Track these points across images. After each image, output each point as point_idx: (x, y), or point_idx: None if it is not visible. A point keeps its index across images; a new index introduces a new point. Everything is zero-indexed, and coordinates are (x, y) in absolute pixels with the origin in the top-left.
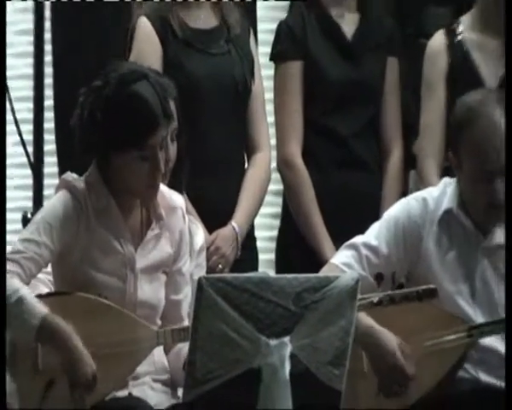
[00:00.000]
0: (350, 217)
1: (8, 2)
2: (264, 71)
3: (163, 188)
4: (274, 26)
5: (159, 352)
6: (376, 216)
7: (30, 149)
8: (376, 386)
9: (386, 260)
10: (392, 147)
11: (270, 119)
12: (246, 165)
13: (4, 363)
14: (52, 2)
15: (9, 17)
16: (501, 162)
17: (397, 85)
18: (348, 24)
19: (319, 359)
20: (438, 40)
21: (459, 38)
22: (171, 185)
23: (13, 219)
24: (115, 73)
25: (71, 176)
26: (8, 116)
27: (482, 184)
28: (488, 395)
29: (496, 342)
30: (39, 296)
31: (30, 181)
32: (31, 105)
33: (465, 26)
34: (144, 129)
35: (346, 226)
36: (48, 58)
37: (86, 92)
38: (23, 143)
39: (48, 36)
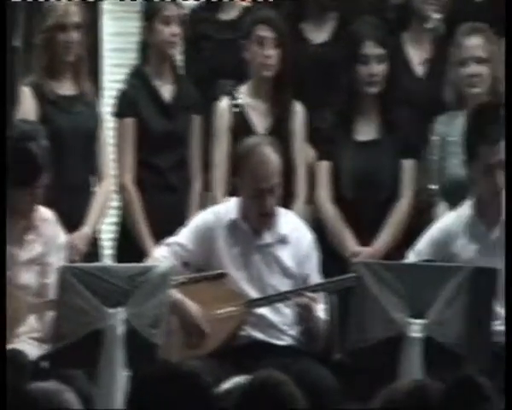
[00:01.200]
0: (167, 223)
1: None
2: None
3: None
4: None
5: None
6: (182, 224)
7: None
8: (182, 341)
9: (191, 254)
10: (193, 177)
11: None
12: (94, 188)
13: (4, 363)
14: None
15: None
16: (270, 183)
17: (199, 134)
18: (167, 89)
19: (144, 322)
20: (224, 102)
21: (239, 101)
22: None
23: None
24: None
25: None
26: None
27: (255, 199)
28: (260, 347)
29: (266, 312)
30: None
31: None
32: None
33: (243, 94)
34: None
35: (166, 229)
36: None
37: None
38: None
39: None
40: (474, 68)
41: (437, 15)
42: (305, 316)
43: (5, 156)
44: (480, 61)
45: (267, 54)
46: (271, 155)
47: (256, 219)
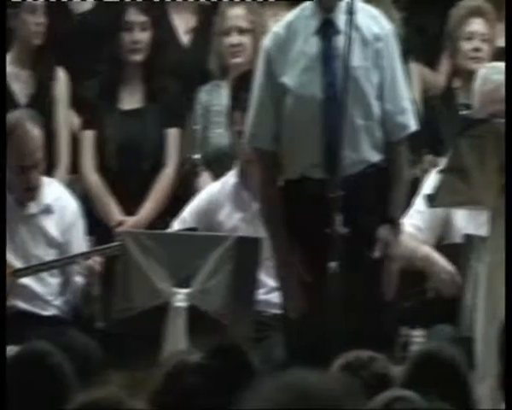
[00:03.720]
0: None
1: None
2: None
3: None
4: None
5: None
6: None
7: None
8: None
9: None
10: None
11: None
12: None
13: (4, 363)
14: None
15: None
16: (33, 159)
17: None
18: None
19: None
20: None
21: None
22: None
23: None
24: None
25: None
26: None
27: (19, 175)
28: (26, 317)
29: (30, 282)
30: None
31: None
32: None
33: (9, 61)
34: None
35: None
36: None
37: None
38: None
39: None
40: (235, 38)
41: None
42: (88, 280)
43: (5, 156)
44: (241, 31)
45: (37, 21)
46: (33, 131)
47: (21, 193)
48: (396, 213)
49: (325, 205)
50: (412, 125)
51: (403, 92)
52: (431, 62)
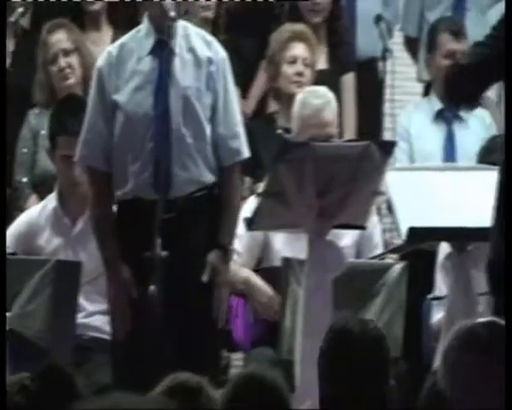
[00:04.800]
0: None
1: None
2: None
3: None
4: None
5: None
6: None
7: None
8: None
9: None
10: None
11: None
12: None
13: (4, 363)
14: None
15: None
16: None
17: None
18: None
19: None
20: None
21: None
22: None
23: None
24: None
25: None
26: None
27: None
28: None
29: None
30: None
31: None
32: None
33: None
34: None
35: None
36: None
37: None
38: None
39: None
40: (63, 61)
41: (20, 9)
42: None
43: (5, 156)
44: (67, 52)
45: None
46: None
47: None
48: (226, 240)
49: (153, 226)
50: (245, 151)
51: (236, 117)
52: (245, 86)
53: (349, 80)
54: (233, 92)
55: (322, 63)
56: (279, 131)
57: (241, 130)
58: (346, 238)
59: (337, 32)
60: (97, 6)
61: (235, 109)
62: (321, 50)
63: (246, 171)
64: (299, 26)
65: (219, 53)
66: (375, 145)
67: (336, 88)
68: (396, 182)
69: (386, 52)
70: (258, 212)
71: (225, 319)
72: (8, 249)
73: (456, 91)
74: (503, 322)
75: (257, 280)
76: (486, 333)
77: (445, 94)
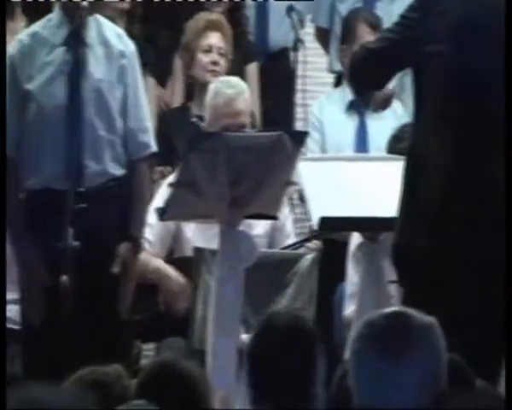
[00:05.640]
0: None
1: None
2: None
3: None
4: None
5: None
6: None
7: None
8: None
9: None
10: None
11: None
12: None
13: (4, 363)
14: None
15: None
16: None
17: None
18: None
19: None
20: None
21: None
22: None
23: None
24: None
25: None
26: None
27: None
28: None
29: None
30: None
31: None
32: None
33: None
34: None
35: None
36: None
37: None
38: None
39: None
40: None
41: None
42: None
43: (5, 156)
44: None
45: None
46: None
47: None
48: (136, 232)
49: (65, 217)
50: (153, 145)
51: (145, 112)
52: (162, 76)
53: (253, 70)
54: (142, 86)
55: None
56: (193, 119)
57: (149, 124)
58: (258, 228)
59: (239, 23)
60: None
61: (144, 103)
62: None
63: (164, 160)
64: (215, 15)
65: (129, 46)
66: (286, 135)
67: (241, 78)
68: (308, 172)
69: (297, 42)
70: (170, 202)
71: (127, 310)
72: None
73: (361, 74)
74: (408, 311)
75: (168, 269)
76: (386, 324)
77: (350, 77)
